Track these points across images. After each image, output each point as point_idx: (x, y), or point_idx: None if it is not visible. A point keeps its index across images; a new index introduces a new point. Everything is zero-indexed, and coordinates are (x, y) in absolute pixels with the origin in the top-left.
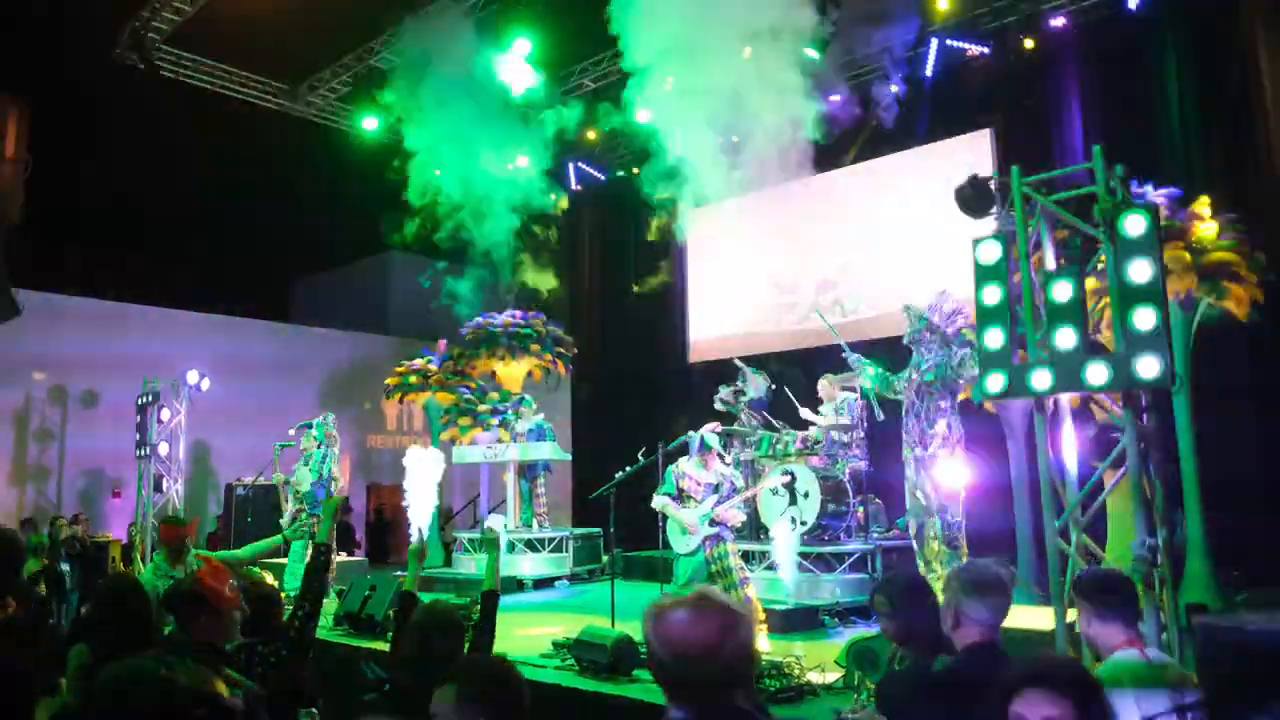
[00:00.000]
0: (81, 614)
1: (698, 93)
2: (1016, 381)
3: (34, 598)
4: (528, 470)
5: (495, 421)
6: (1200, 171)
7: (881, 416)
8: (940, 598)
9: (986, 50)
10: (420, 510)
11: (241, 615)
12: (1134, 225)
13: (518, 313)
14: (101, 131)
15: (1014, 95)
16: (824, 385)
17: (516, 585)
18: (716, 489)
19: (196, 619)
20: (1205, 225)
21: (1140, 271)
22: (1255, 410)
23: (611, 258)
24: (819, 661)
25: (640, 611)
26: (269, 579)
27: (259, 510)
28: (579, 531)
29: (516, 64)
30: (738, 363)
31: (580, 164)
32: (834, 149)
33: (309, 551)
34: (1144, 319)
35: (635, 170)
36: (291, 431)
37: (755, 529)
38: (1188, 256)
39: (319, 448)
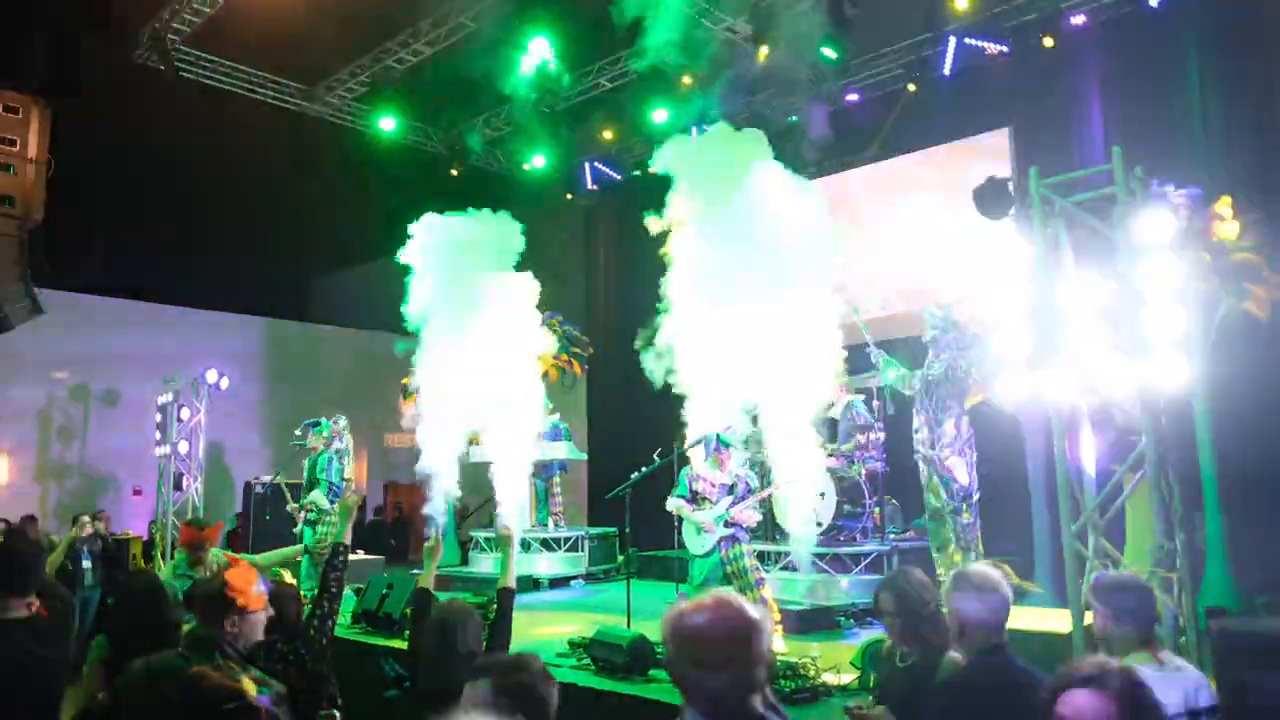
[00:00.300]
0: (102, 609)
1: None
2: (1034, 385)
3: (62, 598)
4: (543, 470)
5: None
6: (1221, 171)
7: (891, 411)
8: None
9: (1006, 49)
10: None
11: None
12: (1154, 227)
13: None
14: (120, 132)
15: (1033, 94)
16: (835, 386)
17: (532, 584)
18: (731, 489)
19: (223, 618)
20: (1226, 225)
21: (1160, 274)
22: (1276, 412)
23: (627, 256)
24: (835, 662)
25: (655, 611)
26: (287, 577)
27: (277, 509)
28: (594, 531)
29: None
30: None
31: (596, 163)
32: (850, 148)
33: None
34: (1164, 322)
35: (651, 169)
36: (297, 432)
37: (771, 530)
38: (1208, 257)
39: (327, 447)
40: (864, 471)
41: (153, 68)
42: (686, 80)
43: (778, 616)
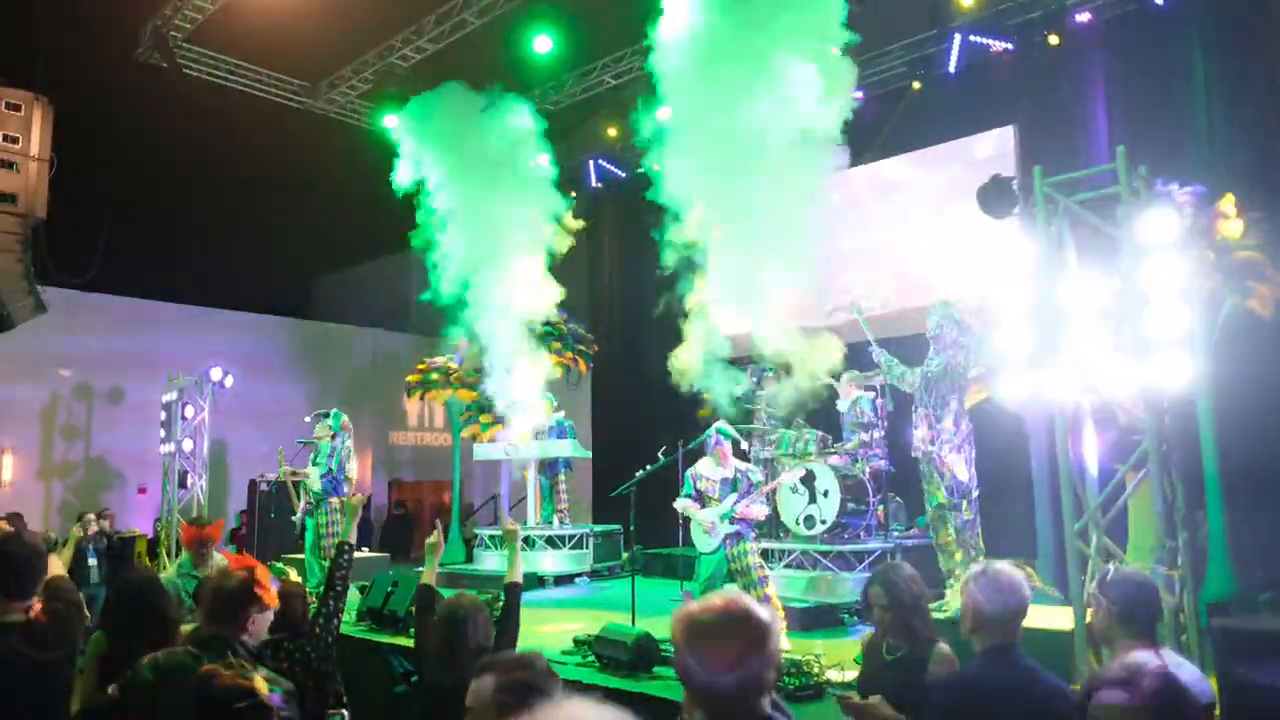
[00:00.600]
0: (106, 606)
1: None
2: (1036, 384)
3: (70, 600)
4: (548, 467)
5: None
6: (1225, 169)
7: (891, 408)
8: (951, 595)
9: (1010, 46)
10: None
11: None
12: (1158, 227)
13: None
14: (124, 129)
15: (1038, 92)
16: (843, 383)
17: (537, 582)
18: (734, 485)
19: (245, 615)
20: (1230, 224)
21: (1164, 273)
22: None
23: (632, 254)
24: (838, 660)
25: (660, 608)
26: (293, 574)
27: (282, 507)
28: (599, 528)
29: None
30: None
31: (600, 161)
32: (854, 146)
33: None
34: (1167, 321)
35: (656, 167)
36: (308, 419)
37: (775, 527)
38: (1212, 255)
39: (332, 438)
40: (868, 469)
41: (156, 65)
42: None
43: (782, 614)
